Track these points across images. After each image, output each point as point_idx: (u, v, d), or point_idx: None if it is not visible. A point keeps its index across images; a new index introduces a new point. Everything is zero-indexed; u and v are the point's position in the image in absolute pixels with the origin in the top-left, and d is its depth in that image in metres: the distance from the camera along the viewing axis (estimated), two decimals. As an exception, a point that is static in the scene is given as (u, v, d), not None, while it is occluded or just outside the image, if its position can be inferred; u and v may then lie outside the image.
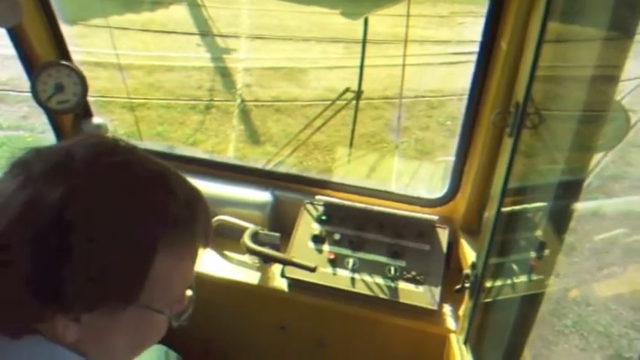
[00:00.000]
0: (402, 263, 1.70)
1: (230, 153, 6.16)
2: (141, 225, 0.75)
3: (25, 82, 1.84)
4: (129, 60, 7.44)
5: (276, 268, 1.76)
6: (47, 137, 2.15)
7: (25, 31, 1.74)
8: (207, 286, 1.82)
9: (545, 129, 1.25)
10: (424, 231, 1.76)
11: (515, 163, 1.26)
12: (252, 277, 1.77)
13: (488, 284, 1.46)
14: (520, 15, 1.31)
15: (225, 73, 7.76)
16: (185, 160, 2.10)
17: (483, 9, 1.47)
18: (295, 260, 1.65)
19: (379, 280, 1.67)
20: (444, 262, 1.70)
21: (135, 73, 7.36)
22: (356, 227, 1.79)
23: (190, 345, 1.54)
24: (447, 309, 1.66)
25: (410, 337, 1.69)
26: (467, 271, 1.49)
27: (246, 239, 1.72)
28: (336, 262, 1.71)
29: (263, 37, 8.17)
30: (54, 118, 1.97)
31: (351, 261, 1.70)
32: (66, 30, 1.90)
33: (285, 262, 1.68)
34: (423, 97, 6.98)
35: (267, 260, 1.74)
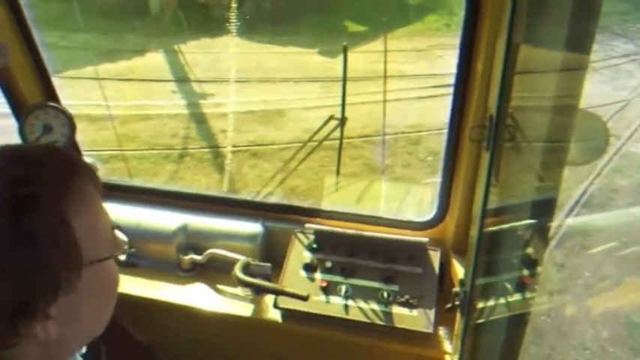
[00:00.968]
0: (395, 287, 1.70)
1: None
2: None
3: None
4: (103, 110, 7.41)
5: (269, 300, 1.74)
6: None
7: (12, 73, 1.76)
8: (201, 320, 1.79)
9: (523, 142, 1.30)
10: (415, 254, 1.77)
11: (499, 178, 1.29)
12: (245, 310, 1.75)
13: (479, 304, 1.47)
14: (491, 37, 1.38)
15: (200, 120, 7.71)
16: (174, 195, 2.10)
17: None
18: (287, 290, 1.64)
19: (373, 305, 1.67)
20: (437, 284, 1.71)
21: (109, 124, 7.30)
22: (347, 254, 1.79)
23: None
24: (442, 331, 1.65)
25: (406, 361, 1.67)
26: (456, 289, 1.51)
27: (238, 271, 1.71)
28: (328, 289, 1.71)
29: (240, 80, 8.24)
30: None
31: (343, 288, 1.70)
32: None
33: (277, 292, 1.67)
34: (403, 132, 7.00)
35: (259, 291, 1.73)
